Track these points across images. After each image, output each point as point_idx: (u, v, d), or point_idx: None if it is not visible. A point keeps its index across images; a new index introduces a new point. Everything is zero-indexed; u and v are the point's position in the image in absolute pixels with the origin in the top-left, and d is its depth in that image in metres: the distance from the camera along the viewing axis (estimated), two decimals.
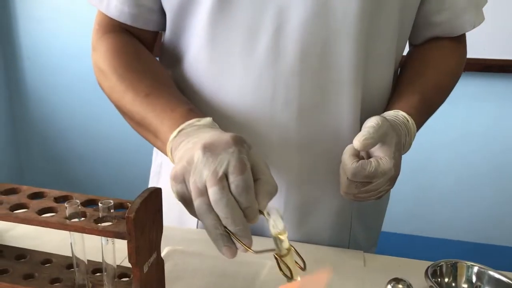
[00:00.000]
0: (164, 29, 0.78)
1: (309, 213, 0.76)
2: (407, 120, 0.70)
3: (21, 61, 2.54)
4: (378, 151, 0.64)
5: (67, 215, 0.55)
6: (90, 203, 0.59)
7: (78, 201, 0.56)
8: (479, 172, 2.25)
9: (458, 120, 2.19)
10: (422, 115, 0.74)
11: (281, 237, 0.53)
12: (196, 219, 0.81)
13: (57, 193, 0.60)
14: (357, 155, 0.65)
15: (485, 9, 0.81)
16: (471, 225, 2.32)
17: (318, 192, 0.76)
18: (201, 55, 0.71)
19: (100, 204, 0.55)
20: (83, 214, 0.56)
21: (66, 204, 0.55)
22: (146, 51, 0.76)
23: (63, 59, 2.48)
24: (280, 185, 0.74)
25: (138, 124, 0.69)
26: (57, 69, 2.51)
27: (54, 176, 2.67)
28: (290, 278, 0.54)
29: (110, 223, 0.55)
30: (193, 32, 0.71)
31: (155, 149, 0.92)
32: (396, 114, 0.70)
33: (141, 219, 0.52)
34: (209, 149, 0.53)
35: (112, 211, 0.55)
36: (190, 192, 0.54)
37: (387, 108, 0.75)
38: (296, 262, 0.54)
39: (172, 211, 0.83)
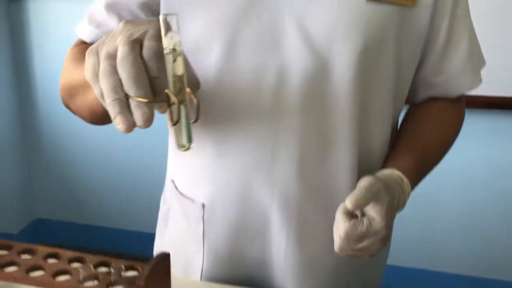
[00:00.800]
0: None
1: (308, 269, 0.78)
2: (402, 180, 0.72)
3: (35, 92, 2.60)
4: (371, 210, 0.66)
5: (81, 278, 0.59)
6: (103, 264, 0.62)
7: (91, 264, 0.60)
8: (484, 209, 2.25)
9: (465, 157, 2.21)
10: (417, 174, 0.76)
11: (165, 49, 0.48)
12: (200, 266, 0.83)
13: (70, 254, 0.64)
14: (351, 214, 0.66)
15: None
16: (477, 259, 2.31)
17: (316, 249, 0.77)
18: (203, 113, 0.74)
19: (111, 269, 0.58)
20: (96, 276, 0.59)
21: (80, 269, 0.58)
22: None
23: None
24: (280, 242, 0.77)
25: (88, 89, 0.61)
26: None
27: (66, 205, 2.71)
28: (173, 123, 0.50)
29: (121, 287, 0.58)
30: None
31: (163, 195, 0.95)
32: (391, 173, 0.72)
33: (150, 285, 0.56)
34: (130, 22, 0.51)
35: (123, 274, 0.59)
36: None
37: (384, 166, 0.77)
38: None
39: (178, 259, 0.86)
